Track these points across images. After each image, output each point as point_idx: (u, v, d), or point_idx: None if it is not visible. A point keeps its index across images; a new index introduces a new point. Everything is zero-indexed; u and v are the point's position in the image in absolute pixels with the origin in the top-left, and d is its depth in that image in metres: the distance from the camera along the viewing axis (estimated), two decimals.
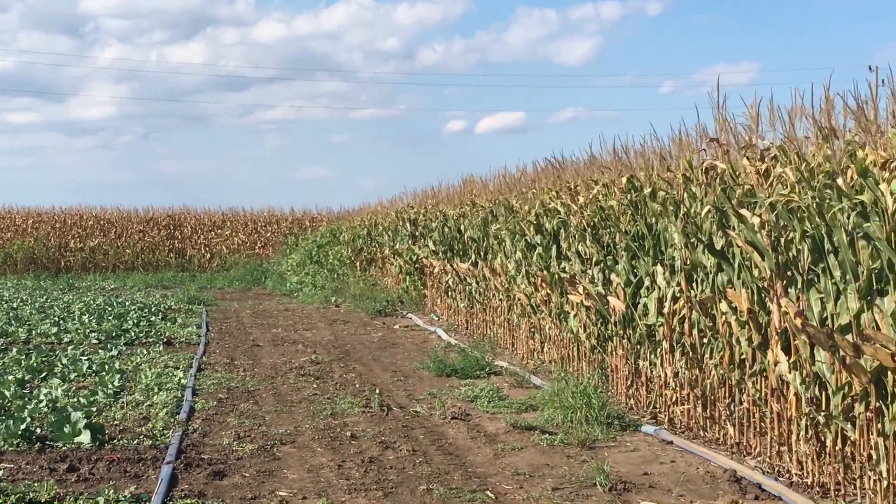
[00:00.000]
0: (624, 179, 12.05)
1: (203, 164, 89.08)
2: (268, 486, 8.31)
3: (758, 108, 9.10)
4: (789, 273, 8.31)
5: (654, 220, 11.17)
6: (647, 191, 11.38)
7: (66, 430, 9.68)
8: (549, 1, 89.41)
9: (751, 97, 9.28)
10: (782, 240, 8.33)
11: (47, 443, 9.61)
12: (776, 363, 8.48)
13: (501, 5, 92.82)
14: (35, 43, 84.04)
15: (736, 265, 9.24)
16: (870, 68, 7.63)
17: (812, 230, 7.96)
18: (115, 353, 16.00)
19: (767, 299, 8.64)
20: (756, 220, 8.58)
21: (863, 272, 7.33)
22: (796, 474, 8.31)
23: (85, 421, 9.85)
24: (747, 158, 8.95)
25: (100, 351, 16.22)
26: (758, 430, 9.07)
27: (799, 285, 8.13)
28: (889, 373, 7.02)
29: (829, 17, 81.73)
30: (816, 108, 8.40)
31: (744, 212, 8.76)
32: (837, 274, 7.64)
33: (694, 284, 10.14)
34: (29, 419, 10.08)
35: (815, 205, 7.85)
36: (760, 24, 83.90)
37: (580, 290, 12.68)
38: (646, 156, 12.11)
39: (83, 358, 15.02)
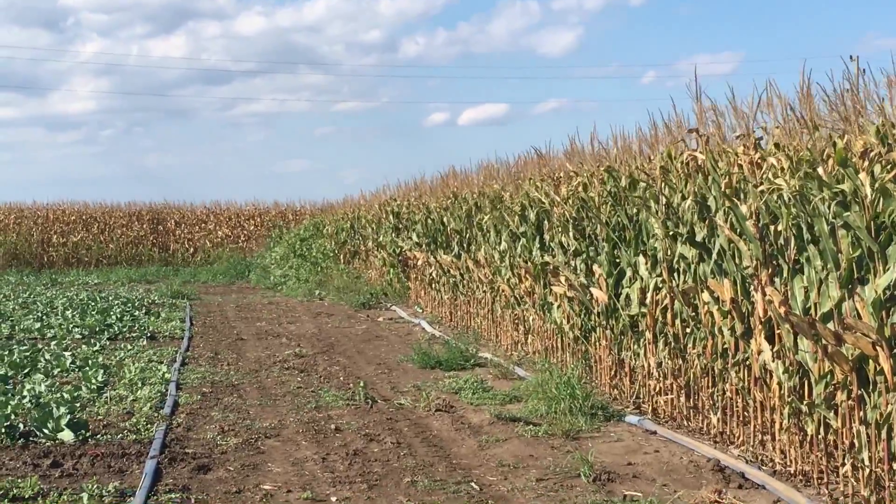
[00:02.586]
0: (603, 171, 12.06)
1: (186, 159, 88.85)
2: (252, 480, 8.29)
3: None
4: (775, 262, 8.32)
5: (634, 211, 11.18)
6: (626, 182, 11.38)
7: (49, 425, 9.63)
8: None
9: (735, 86, 9.30)
10: (771, 228, 8.33)
11: (31, 438, 9.55)
12: (759, 352, 8.49)
13: None
14: (15, 38, 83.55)
15: (715, 255, 9.26)
16: (851, 58, 7.65)
17: (797, 219, 7.97)
18: (98, 348, 15.93)
19: (752, 288, 8.64)
20: (744, 209, 8.58)
21: (843, 261, 7.35)
22: (779, 463, 8.32)
23: (68, 416, 9.80)
24: (744, 147, 8.93)
25: (83, 346, 16.17)
26: (741, 419, 9.08)
27: (785, 274, 8.14)
28: (870, 361, 7.03)
29: (812, 5, 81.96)
30: (795, 98, 8.42)
31: (735, 201, 8.77)
32: (819, 263, 7.65)
33: (676, 275, 10.16)
34: (12, 415, 10.05)
35: (798, 194, 7.86)
36: (743, 12, 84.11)
37: (563, 280, 12.69)
38: (626, 147, 12.12)
39: (66, 353, 14.95)
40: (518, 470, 8.58)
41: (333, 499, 7.78)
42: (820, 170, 7.63)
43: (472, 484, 8.13)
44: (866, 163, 7.16)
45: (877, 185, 7.03)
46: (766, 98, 8.76)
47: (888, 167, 7.10)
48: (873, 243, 7.03)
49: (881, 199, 7.03)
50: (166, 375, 13.09)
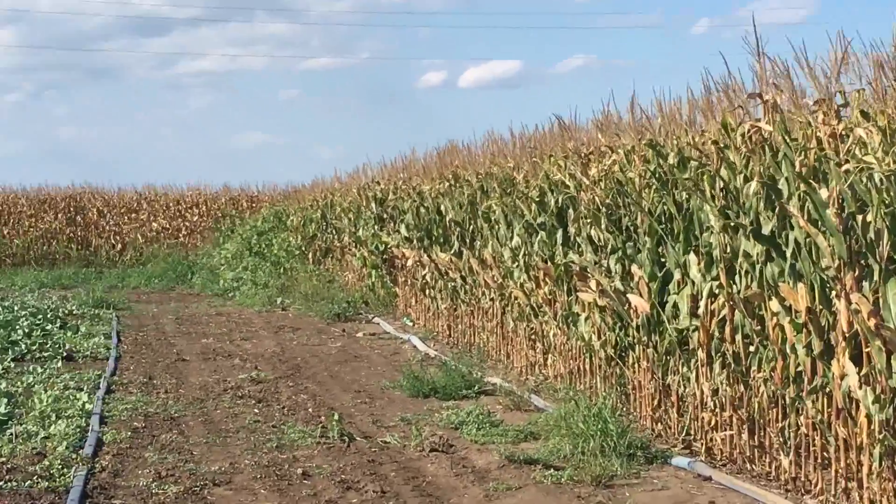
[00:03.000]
0: (645, 145, 12.05)
1: (112, 131, 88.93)
2: None
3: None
4: (863, 262, 8.31)
5: (685, 196, 11.17)
6: (674, 160, 11.37)
7: None
8: None
9: (808, 40, 9.28)
10: (859, 219, 8.30)
11: None
12: (843, 376, 8.48)
13: None
14: None
15: (789, 254, 9.25)
16: None
17: (891, 207, 7.95)
18: (0, 371, 15.92)
19: (833, 295, 8.63)
20: (824, 194, 8.56)
21: None
22: None
23: None
24: (823, 115, 8.91)
25: None
26: (819, 461, 9.08)
27: (875, 277, 8.12)
28: None
29: None
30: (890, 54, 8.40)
31: (813, 184, 8.75)
32: None
33: (736, 278, 10.15)
34: None
35: (893, 175, 7.84)
36: None
37: (593, 285, 12.68)
38: (673, 116, 12.10)
39: None
40: None
41: None
42: None
43: None
44: None
45: None
46: (845, 55, 8.73)
47: None
48: None
49: None
50: (87, 406, 13.07)
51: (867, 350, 8.24)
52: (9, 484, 9.66)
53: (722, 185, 10.28)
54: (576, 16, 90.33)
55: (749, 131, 9.98)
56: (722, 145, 10.36)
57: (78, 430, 11.80)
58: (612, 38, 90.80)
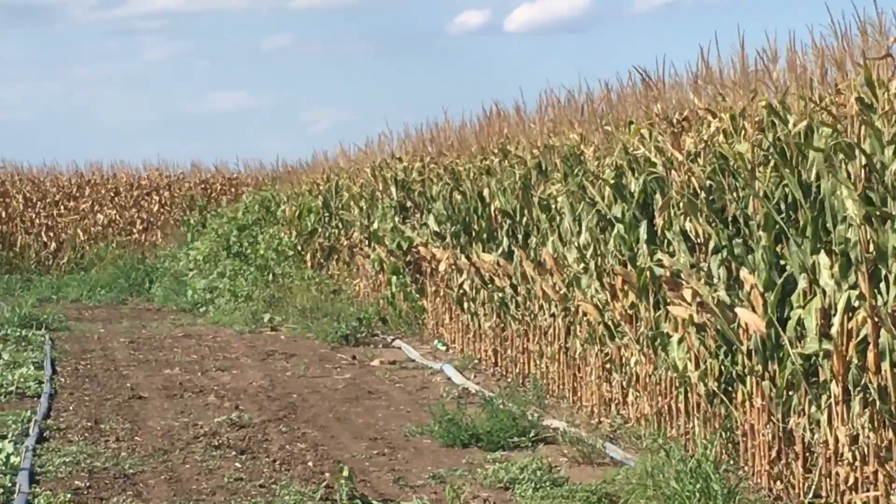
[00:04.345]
0: (760, 107, 12.05)
1: (42, 90, 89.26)
2: None
3: None
4: None
5: (813, 176, 11.16)
6: (801, 126, 11.36)
7: None
8: None
9: None
10: None
11: None
12: None
13: None
14: None
15: None
16: None
17: None
18: None
19: None
20: None
21: None
22: None
23: None
24: None
25: None
26: None
27: None
28: None
29: None
30: None
31: None
32: None
33: (883, 286, 10.13)
34: None
35: None
36: None
37: (688, 296, 12.69)
38: (796, 68, 12.10)
39: None
40: None
41: None
42: None
43: None
44: None
45: None
46: None
47: None
48: None
49: None
50: (13, 460, 13.14)
51: None
52: None
53: (864, 162, 10.26)
54: None
55: None
56: (865, 107, 10.34)
57: (1, 491, 11.86)
58: None
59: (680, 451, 11.56)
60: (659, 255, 13.82)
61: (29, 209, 45.53)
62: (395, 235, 25.83)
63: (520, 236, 18.77)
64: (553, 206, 17.26)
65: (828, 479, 11.02)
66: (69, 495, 12.03)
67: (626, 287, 14.48)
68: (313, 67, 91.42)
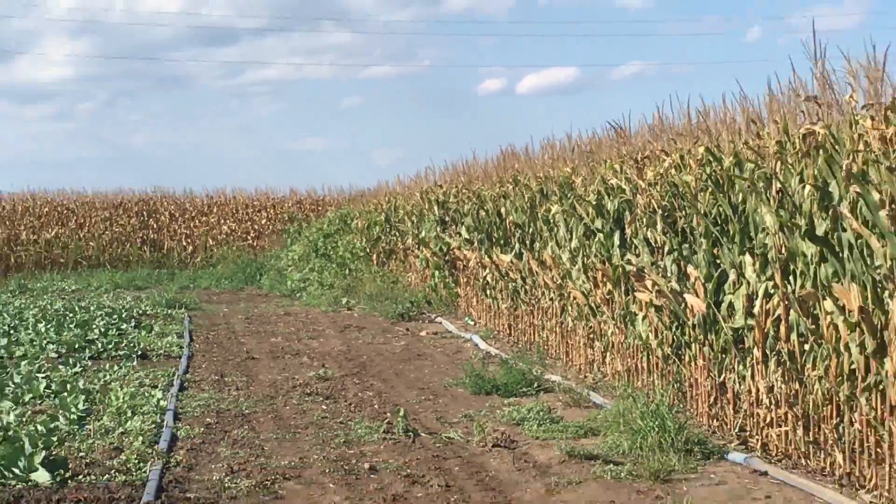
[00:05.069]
0: (702, 149, 12.04)
1: (182, 137, 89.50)
2: None
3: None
4: None
5: (740, 198, 11.14)
6: (731, 162, 11.35)
7: (20, 464, 9.73)
8: None
9: (860, 44, 9.24)
10: None
11: None
12: None
13: None
14: None
15: (844, 255, 9.20)
16: None
17: None
18: (78, 369, 16.07)
19: (886, 295, 8.59)
20: (876, 196, 8.53)
21: None
22: None
23: (43, 453, 9.90)
24: (872, 119, 8.87)
25: (60, 367, 16.30)
26: (873, 457, 9.02)
27: None
28: None
29: None
30: None
31: (866, 186, 8.70)
32: None
33: (791, 278, 10.10)
34: None
35: None
36: None
37: (649, 285, 12.66)
38: (729, 120, 12.08)
39: (40, 375, 15.10)
40: None
41: None
42: None
43: None
44: None
45: None
46: None
47: None
48: None
49: None
50: (162, 403, 13.19)
51: None
52: (88, 478, 9.76)
53: (779, 187, 10.24)
54: (633, 23, 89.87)
55: (804, 133, 9.96)
56: (780, 146, 10.33)
57: (153, 425, 11.91)
58: (670, 45, 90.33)
59: (643, 398, 11.54)
60: (628, 256, 13.80)
61: (173, 222, 45.57)
62: (437, 241, 25.79)
63: (527, 242, 18.74)
64: (551, 220, 17.24)
65: (751, 419, 10.99)
66: (202, 429, 12.08)
67: (604, 279, 14.46)
68: (377, 119, 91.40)
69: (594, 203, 15.16)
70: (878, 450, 8.97)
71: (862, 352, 8.93)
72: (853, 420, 9.24)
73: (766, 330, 10.50)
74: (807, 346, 9.90)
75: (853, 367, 9.12)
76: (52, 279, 37.22)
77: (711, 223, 11.62)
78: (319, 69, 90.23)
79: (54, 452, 10.25)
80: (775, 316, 10.35)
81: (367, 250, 32.80)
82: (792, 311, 10.03)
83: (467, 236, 23.01)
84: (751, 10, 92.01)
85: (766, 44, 77.52)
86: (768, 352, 10.52)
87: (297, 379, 15.64)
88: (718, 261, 11.58)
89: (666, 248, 12.71)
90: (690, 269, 11.92)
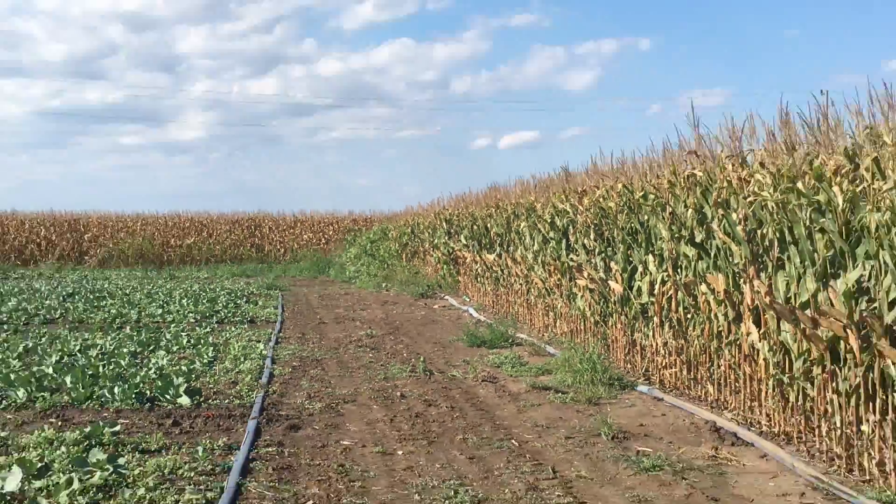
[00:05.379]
0: (620, 185, 12.03)
1: (276, 176, 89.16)
2: (334, 437, 8.34)
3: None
4: (761, 260, 8.26)
5: (645, 218, 11.14)
6: (639, 194, 11.34)
7: (170, 392, 9.75)
8: (557, 39, 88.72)
9: (723, 117, 9.25)
10: (758, 232, 8.27)
11: (155, 403, 9.65)
12: (748, 334, 8.43)
13: (518, 43, 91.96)
14: (139, 79, 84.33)
15: (711, 254, 9.20)
16: (821, 92, 7.65)
17: (779, 224, 7.91)
18: (208, 330, 16.06)
19: (742, 281, 8.58)
20: (735, 216, 8.54)
21: (819, 259, 7.28)
22: (766, 425, 8.26)
23: (185, 385, 9.91)
24: (731, 165, 8.88)
25: (196, 328, 16.29)
26: (733, 389, 9.02)
27: (769, 270, 8.07)
28: (841, 341, 6.96)
29: (789, 48, 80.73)
30: (776, 126, 8.37)
31: (728, 210, 8.71)
32: (798, 261, 7.59)
33: (679, 270, 10.09)
34: (141, 384, 10.16)
35: (780, 204, 7.80)
36: (732, 54, 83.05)
37: (586, 275, 12.65)
38: (638, 166, 12.08)
39: (183, 334, 15.11)
40: (550, 429, 8.58)
41: (400, 452, 7.82)
42: (799, 184, 7.57)
43: (513, 441, 8.14)
44: (838, 178, 7.10)
45: (847, 196, 6.97)
46: (750, 126, 8.74)
47: (856, 182, 7.04)
48: (844, 244, 6.97)
49: (851, 207, 6.97)
50: (263, 352, 13.18)
51: (764, 317, 8.19)
52: (215, 401, 9.76)
53: (670, 211, 10.23)
54: (574, 101, 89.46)
55: (687, 175, 9.96)
56: (672, 184, 10.32)
57: (258, 367, 11.89)
58: (599, 116, 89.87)
59: (581, 350, 11.53)
60: (571, 256, 13.79)
61: (271, 233, 45.51)
62: (445, 246, 25.77)
63: (505, 246, 18.72)
64: (521, 232, 17.21)
65: (652, 363, 10.97)
66: (290, 369, 12.06)
67: (555, 271, 14.44)
68: (406, 166, 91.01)
69: (549, 221, 15.14)
70: (737, 384, 8.96)
71: (726, 319, 8.92)
72: (720, 364, 9.23)
73: (662, 305, 10.49)
74: (689, 316, 9.89)
75: (720, 329, 9.11)
76: (191, 271, 37.23)
77: (626, 234, 11.61)
78: (367, 132, 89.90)
79: (192, 385, 10.24)
80: (668, 295, 10.34)
81: (399, 251, 32.78)
82: (679, 292, 10.02)
83: (465, 242, 22.99)
84: (651, 92, 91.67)
85: (663, 115, 77.23)
86: (663, 319, 10.51)
87: (353, 336, 15.60)
88: (631, 259, 11.57)
89: (596, 251, 12.70)
90: (612, 264, 11.91)
